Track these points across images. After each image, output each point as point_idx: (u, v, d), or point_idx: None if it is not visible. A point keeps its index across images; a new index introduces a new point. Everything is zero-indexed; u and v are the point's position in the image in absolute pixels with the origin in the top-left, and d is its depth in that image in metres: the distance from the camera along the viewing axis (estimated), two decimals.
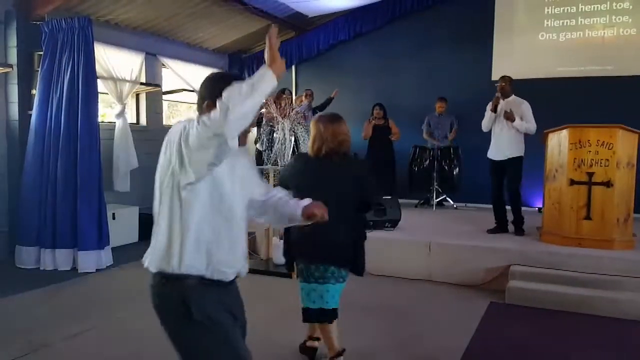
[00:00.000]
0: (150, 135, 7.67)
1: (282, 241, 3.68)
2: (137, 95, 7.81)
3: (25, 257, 5.50)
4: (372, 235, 5.36)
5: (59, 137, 5.51)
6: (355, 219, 3.10)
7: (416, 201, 7.99)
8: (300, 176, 3.05)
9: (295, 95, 8.65)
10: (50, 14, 5.91)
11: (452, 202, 7.90)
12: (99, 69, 6.06)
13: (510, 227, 5.66)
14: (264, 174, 5.30)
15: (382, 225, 5.72)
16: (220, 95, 1.61)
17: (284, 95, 7.17)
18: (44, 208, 5.52)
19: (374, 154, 7.60)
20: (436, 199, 7.74)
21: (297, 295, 3.21)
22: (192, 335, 1.79)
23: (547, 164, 5.28)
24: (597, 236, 4.84)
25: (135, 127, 7.45)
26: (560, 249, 4.86)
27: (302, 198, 2.09)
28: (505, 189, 5.58)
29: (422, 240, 5.28)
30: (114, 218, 6.34)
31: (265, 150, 6.42)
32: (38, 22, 5.78)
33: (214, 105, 1.62)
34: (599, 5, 7.58)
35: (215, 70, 1.97)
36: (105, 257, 5.53)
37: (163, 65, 8.03)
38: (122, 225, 6.50)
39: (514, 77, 5.70)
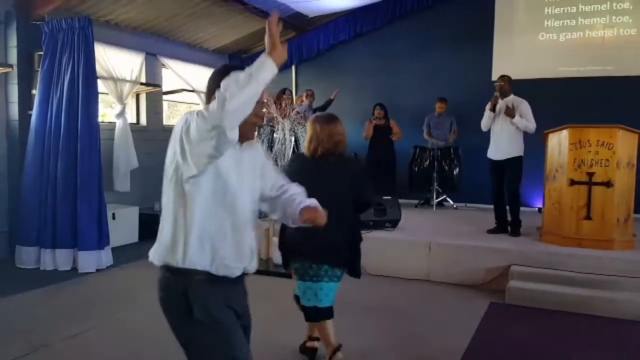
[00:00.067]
0: (150, 136, 7.68)
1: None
2: (137, 96, 7.81)
3: (25, 257, 5.51)
4: (372, 235, 5.39)
5: (59, 137, 5.51)
6: (351, 219, 3.10)
7: (416, 201, 8.00)
8: (297, 176, 3.05)
9: (296, 95, 8.65)
10: (50, 14, 5.91)
11: (452, 202, 7.90)
12: (99, 69, 6.06)
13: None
14: None
15: (382, 225, 5.72)
16: (219, 87, 1.59)
17: (285, 96, 7.17)
18: (44, 208, 5.52)
19: (374, 154, 7.61)
20: (436, 199, 7.75)
21: None
22: (192, 332, 1.80)
23: (547, 164, 5.28)
24: (597, 236, 4.84)
25: (135, 127, 7.45)
26: (560, 249, 4.86)
27: None
28: (505, 189, 5.58)
29: (422, 240, 5.28)
30: (114, 218, 6.34)
31: (265, 150, 6.42)
32: (38, 22, 5.78)
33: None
34: (599, 6, 7.59)
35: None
36: (105, 257, 5.53)
37: (163, 65, 8.03)
38: (122, 225, 6.50)
39: (514, 77, 5.70)
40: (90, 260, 5.38)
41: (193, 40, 8.51)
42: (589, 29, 7.67)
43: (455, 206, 7.85)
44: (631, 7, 7.42)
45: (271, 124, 6.27)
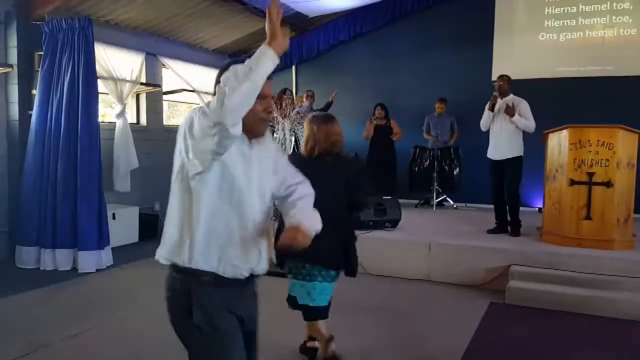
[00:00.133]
0: (150, 136, 7.68)
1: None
2: (138, 96, 7.81)
3: (25, 257, 5.51)
4: (372, 235, 5.39)
5: (59, 137, 5.51)
6: (346, 219, 3.10)
7: (416, 201, 8.00)
8: None
9: (296, 95, 8.65)
10: (50, 14, 5.91)
11: (452, 202, 7.90)
12: (99, 69, 6.06)
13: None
14: None
15: (382, 225, 5.72)
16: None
17: (285, 96, 7.18)
18: (44, 208, 5.52)
19: (375, 153, 7.61)
20: (436, 199, 7.75)
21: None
22: (191, 334, 1.79)
23: (547, 164, 5.28)
24: (597, 236, 4.84)
25: (135, 127, 7.45)
26: (560, 249, 4.86)
27: None
28: (505, 189, 5.58)
29: (422, 240, 5.28)
30: (114, 218, 6.34)
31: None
32: (38, 22, 5.78)
33: None
34: (599, 6, 7.59)
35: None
36: (105, 257, 5.53)
37: (163, 65, 8.03)
38: (122, 225, 6.50)
39: (514, 77, 5.71)
40: (90, 260, 5.38)
41: (193, 40, 8.51)
42: (589, 29, 7.67)
43: (455, 206, 7.85)
44: (631, 7, 7.42)
45: (271, 124, 6.27)
